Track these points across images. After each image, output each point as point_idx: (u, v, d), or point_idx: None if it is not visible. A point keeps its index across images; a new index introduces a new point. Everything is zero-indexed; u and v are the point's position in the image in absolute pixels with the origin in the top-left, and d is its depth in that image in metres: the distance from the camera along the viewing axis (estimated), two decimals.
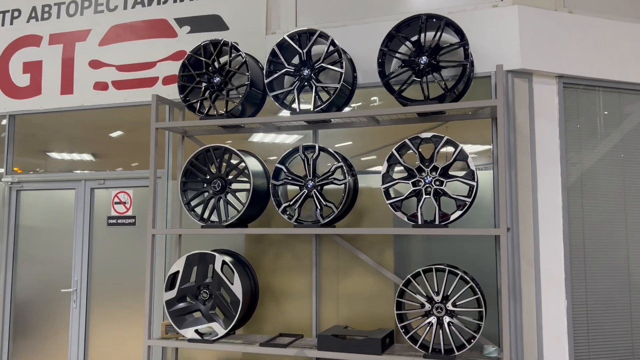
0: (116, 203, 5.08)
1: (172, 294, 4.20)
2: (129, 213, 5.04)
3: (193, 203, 4.32)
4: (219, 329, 4.08)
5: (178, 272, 4.21)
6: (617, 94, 4.32)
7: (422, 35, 3.85)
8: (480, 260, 4.05)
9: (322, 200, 3.97)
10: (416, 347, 3.65)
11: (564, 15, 4.17)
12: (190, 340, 4.12)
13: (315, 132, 4.52)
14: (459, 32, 3.76)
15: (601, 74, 4.21)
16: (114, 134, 5.22)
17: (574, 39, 4.17)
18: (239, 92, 4.26)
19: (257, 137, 4.82)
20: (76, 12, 5.34)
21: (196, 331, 4.13)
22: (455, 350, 3.57)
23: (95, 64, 5.20)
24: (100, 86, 5.15)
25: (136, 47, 5.08)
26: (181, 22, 4.96)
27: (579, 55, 4.17)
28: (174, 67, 4.91)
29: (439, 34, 3.79)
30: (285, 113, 4.51)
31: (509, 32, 4.05)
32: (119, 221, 5.05)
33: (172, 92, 4.86)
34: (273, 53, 4.17)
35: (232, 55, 4.26)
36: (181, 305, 4.19)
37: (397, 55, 3.90)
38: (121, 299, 5.00)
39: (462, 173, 3.72)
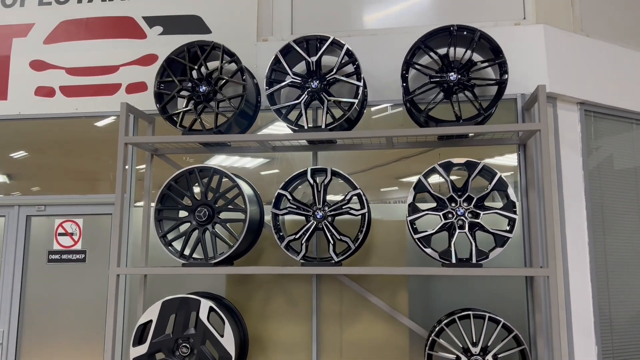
0: (60, 234, 4.13)
1: (143, 349, 3.36)
2: (77, 247, 4.11)
3: (170, 236, 3.55)
4: None
5: (151, 321, 3.38)
6: (630, 124, 4.13)
7: (452, 49, 3.42)
8: (505, 303, 3.60)
9: (336, 234, 3.36)
10: None
11: (583, 39, 3.94)
12: None
13: (315, 154, 3.92)
14: (494, 47, 3.37)
15: (619, 103, 4.00)
16: (58, 151, 4.30)
17: (594, 65, 3.94)
18: (231, 104, 3.59)
19: (216, 160, 4.14)
20: (15, 3, 4.42)
21: None
22: None
23: (39, 65, 4.29)
24: (45, 92, 4.24)
25: (93, 47, 4.25)
26: (151, 21, 4.22)
27: (599, 81, 3.94)
28: (141, 73, 4.15)
29: (470, 49, 3.39)
30: (271, 131, 3.95)
31: (535, 53, 3.73)
32: (64, 257, 4.10)
33: (137, 101, 4.06)
34: (276, 60, 3.57)
35: (224, 60, 3.60)
36: None
37: (425, 70, 3.43)
38: (63, 355, 4.02)
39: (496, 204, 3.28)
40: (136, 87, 4.15)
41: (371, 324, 3.71)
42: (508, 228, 3.20)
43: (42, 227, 4.17)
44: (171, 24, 4.19)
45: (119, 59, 4.20)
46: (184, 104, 3.65)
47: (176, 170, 3.62)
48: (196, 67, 3.62)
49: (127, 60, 4.19)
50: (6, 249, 4.16)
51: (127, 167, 3.77)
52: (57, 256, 4.10)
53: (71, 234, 4.12)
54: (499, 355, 3.14)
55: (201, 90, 3.62)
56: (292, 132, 3.62)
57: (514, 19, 3.87)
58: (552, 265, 3.08)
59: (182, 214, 3.57)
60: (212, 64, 3.73)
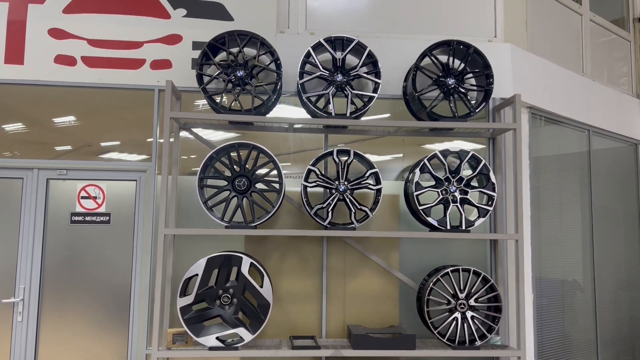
0: (83, 198, 4.39)
1: (189, 299, 3.87)
2: (101, 209, 4.40)
3: (210, 203, 4.05)
4: (245, 334, 3.89)
5: (196, 275, 3.89)
6: (557, 124, 5.33)
7: (451, 58, 4.27)
8: (471, 261, 4.61)
9: (357, 204, 4.10)
10: (444, 341, 4.03)
11: (532, 56, 5.02)
12: (212, 349, 3.85)
13: (326, 137, 4.60)
14: (483, 60, 4.27)
15: (550, 107, 5.15)
16: (78, 118, 4.50)
17: (537, 77, 5.04)
18: (265, 88, 4.13)
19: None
20: None
21: (217, 338, 3.87)
22: (478, 340, 4.05)
23: (58, 34, 4.42)
24: (66, 60, 4.40)
25: (114, 22, 4.48)
26: (175, 3, 4.54)
27: (540, 91, 5.05)
28: (166, 51, 4.49)
29: (465, 61, 4.26)
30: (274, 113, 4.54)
31: (503, 66, 4.71)
32: (87, 219, 4.38)
33: (161, 77, 4.43)
34: (308, 54, 4.16)
35: (261, 51, 4.13)
36: (198, 312, 3.89)
37: (430, 74, 4.25)
38: (86, 311, 4.33)
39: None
40: (161, 64, 4.48)
41: (369, 278, 4.53)
42: (489, 203, 4.17)
43: (62, 191, 4.39)
44: (195, 8, 4.55)
45: (143, 36, 4.48)
46: (219, 87, 4.12)
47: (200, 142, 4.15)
48: (235, 53, 4.10)
49: (152, 37, 4.49)
50: (24, 210, 4.31)
51: (160, 140, 4.16)
52: (80, 218, 4.36)
53: (94, 198, 4.39)
54: (480, 299, 4.13)
55: (239, 74, 4.12)
56: (311, 117, 4.26)
57: (487, 36, 4.82)
58: (521, 231, 4.12)
59: (219, 183, 4.08)
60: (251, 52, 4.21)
